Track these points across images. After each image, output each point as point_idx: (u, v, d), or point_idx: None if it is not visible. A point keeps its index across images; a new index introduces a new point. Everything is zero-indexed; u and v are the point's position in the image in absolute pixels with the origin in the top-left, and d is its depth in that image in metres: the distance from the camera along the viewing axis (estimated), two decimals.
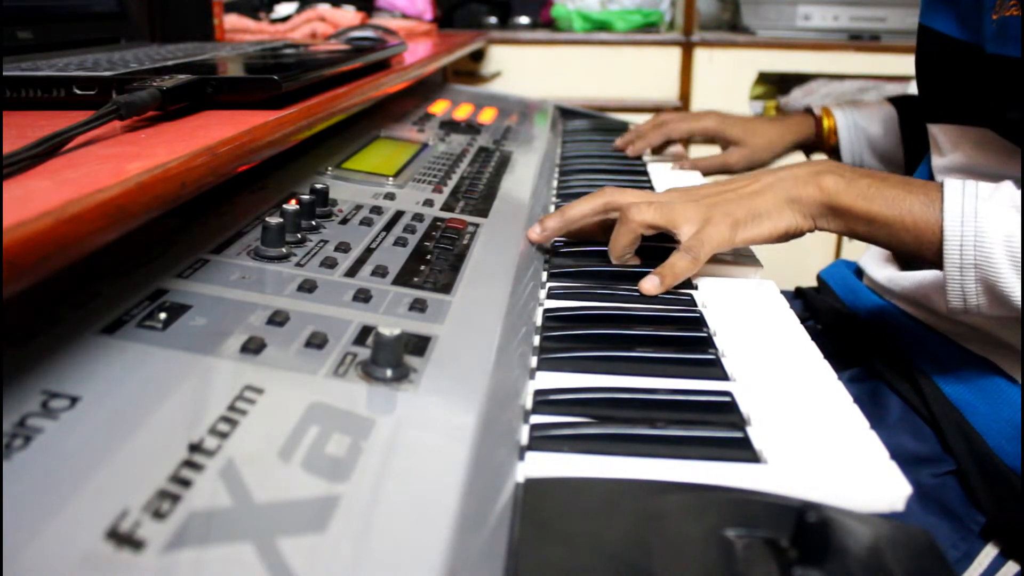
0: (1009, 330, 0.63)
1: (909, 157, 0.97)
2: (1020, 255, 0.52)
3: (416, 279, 0.51)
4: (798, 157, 1.07)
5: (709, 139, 1.06)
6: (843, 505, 0.36)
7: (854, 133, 0.99)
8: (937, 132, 0.75)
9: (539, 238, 0.66)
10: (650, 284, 0.59)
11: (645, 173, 0.98)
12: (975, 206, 0.54)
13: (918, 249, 0.57)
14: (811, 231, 0.61)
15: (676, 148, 1.10)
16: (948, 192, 0.55)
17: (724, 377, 0.48)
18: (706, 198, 0.61)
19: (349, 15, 1.68)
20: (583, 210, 0.65)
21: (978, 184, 0.55)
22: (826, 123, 1.01)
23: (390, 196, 0.68)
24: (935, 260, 0.56)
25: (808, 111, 1.04)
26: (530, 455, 0.39)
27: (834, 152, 1.01)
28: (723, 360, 0.49)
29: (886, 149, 0.98)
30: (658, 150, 1.10)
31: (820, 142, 1.02)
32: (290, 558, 0.26)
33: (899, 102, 0.98)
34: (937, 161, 0.75)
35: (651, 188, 0.91)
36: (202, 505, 0.28)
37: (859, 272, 0.85)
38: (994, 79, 0.63)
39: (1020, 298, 0.53)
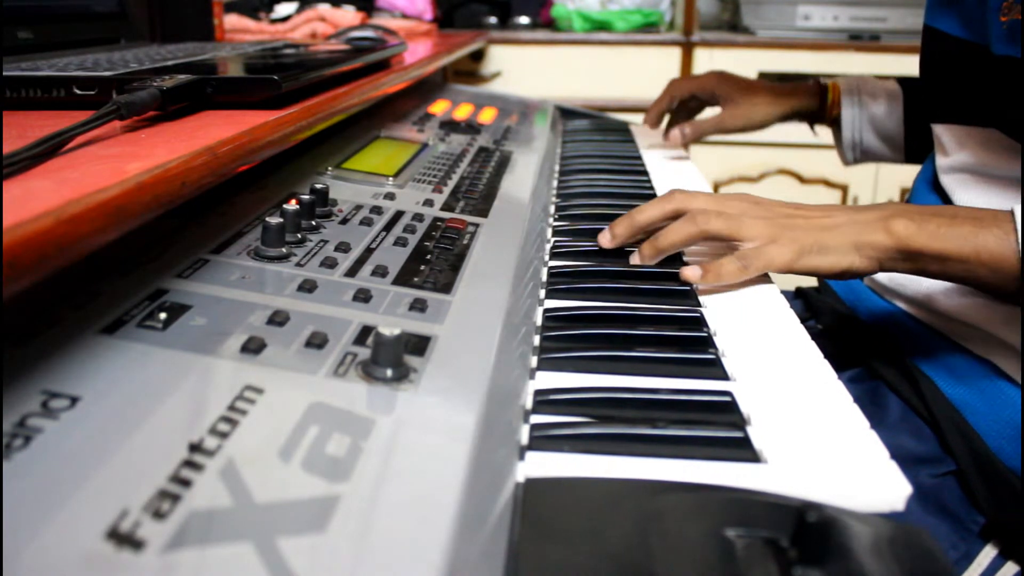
0: (1010, 330, 0.63)
1: (909, 140, 0.97)
2: None
3: (416, 279, 0.51)
4: (800, 127, 1.07)
5: (710, 97, 1.06)
6: (843, 505, 0.36)
7: (857, 109, 0.99)
8: (942, 132, 0.74)
9: (611, 245, 0.66)
10: (692, 273, 0.59)
11: (645, 173, 0.98)
12: None
13: (995, 283, 0.56)
14: (873, 273, 0.60)
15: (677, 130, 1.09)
16: (1022, 223, 0.54)
17: (724, 377, 0.48)
18: (777, 218, 0.61)
19: (349, 15, 1.69)
20: (653, 215, 0.64)
21: None
22: (831, 95, 1.00)
23: (390, 196, 0.68)
24: (1017, 292, 0.55)
25: (816, 81, 1.03)
26: (530, 455, 0.39)
27: (835, 124, 1.01)
28: (723, 360, 0.49)
29: (888, 129, 0.98)
30: (678, 124, 1.10)
31: (823, 113, 1.02)
32: (290, 558, 0.26)
33: (907, 84, 0.98)
34: (942, 161, 0.75)
35: (651, 187, 0.91)
36: (202, 505, 0.28)
37: None
38: (1001, 79, 0.63)
39: None
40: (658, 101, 1.11)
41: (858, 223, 0.59)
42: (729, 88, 1.03)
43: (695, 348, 0.51)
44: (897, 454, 0.40)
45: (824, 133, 1.07)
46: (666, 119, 1.15)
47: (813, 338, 0.54)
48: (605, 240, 0.66)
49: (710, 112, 1.09)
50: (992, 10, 0.63)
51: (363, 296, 0.47)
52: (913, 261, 0.58)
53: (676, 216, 0.64)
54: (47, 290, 0.40)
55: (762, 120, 1.03)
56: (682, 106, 1.12)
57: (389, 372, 0.38)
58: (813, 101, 1.02)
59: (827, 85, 1.01)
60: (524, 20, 2.13)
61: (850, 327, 0.80)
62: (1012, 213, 0.55)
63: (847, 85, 1.00)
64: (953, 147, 0.73)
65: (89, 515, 0.27)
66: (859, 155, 1.02)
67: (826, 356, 0.51)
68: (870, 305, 0.79)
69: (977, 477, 0.62)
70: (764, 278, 0.65)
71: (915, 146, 0.97)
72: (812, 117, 1.04)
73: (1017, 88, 0.62)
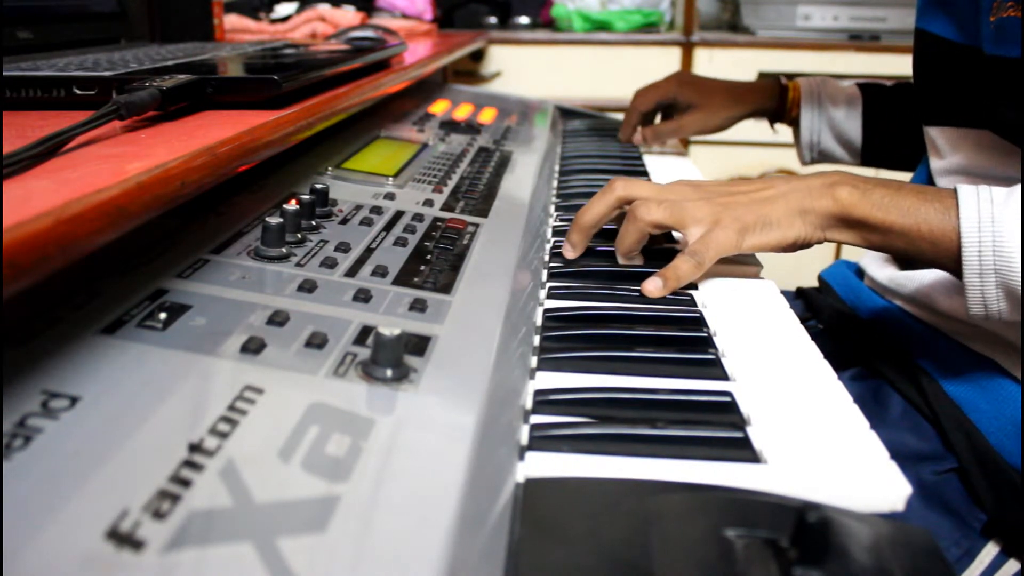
0: (1010, 329, 0.63)
1: (867, 143, 0.98)
2: None
3: (416, 279, 0.51)
4: (760, 125, 1.08)
5: (674, 103, 1.07)
6: (843, 505, 0.36)
7: (816, 112, 1.00)
8: (936, 135, 0.75)
9: (574, 255, 0.65)
10: (653, 286, 0.58)
11: (645, 173, 0.98)
12: (991, 211, 0.53)
13: (934, 257, 0.56)
14: (819, 242, 0.60)
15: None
16: (963, 199, 0.54)
17: (724, 377, 0.48)
18: (717, 197, 0.61)
19: (349, 15, 1.69)
20: (599, 212, 0.63)
21: (992, 189, 0.54)
22: (791, 95, 1.02)
23: (390, 196, 0.68)
24: (953, 267, 0.55)
25: (777, 80, 1.04)
26: (530, 455, 0.39)
27: (794, 124, 1.03)
28: (723, 360, 0.49)
29: (844, 131, 0.99)
30: (648, 125, 1.11)
31: (782, 112, 1.03)
32: (290, 558, 0.26)
33: (867, 89, 0.99)
34: (936, 163, 0.75)
35: None
36: (202, 505, 0.28)
37: (860, 272, 0.85)
38: (993, 80, 0.63)
39: None
40: (627, 118, 1.12)
41: (800, 190, 0.59)
42: (688, 94, 1.05)
43: (695, 348, 0.51)
44: (899, 451, 0.40)
45: (784, 131, 1.08)
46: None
47: (814, 338, 0.54)
48: (568, 253, 0.65)
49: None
50: (984, 11, 0.63)
51: (363, 296, 0.47)
52: (855, 230, 0.58)
53: (620, 206, 0.63)
54: (47, 290, 0.40)
55: (720, 123, 1.04)
56: (653, 115, 1.12)
57: (389, 372, 0.38)
58: (773, 101, 1.03)
59: (787, 85, 1.02)
60: (524, 20, 2.13)
61: (851, 326, 0.80)
62: (956, 190, 0.55)
63: (807, 87, 1.01)
64: (947, 150, 0.73)
65: (89, 515, 0.27)
66: (816, 156, 1.03)
67: (827, 355, 0.51)
68: (871, 304, 0.79)
69: (979, 474, 0.62)
70: (763, 276, 0.65)
71: (872, 150, 0.99)
72: (772, 116, 1.05)
73: (1009, 88, 0.61)
